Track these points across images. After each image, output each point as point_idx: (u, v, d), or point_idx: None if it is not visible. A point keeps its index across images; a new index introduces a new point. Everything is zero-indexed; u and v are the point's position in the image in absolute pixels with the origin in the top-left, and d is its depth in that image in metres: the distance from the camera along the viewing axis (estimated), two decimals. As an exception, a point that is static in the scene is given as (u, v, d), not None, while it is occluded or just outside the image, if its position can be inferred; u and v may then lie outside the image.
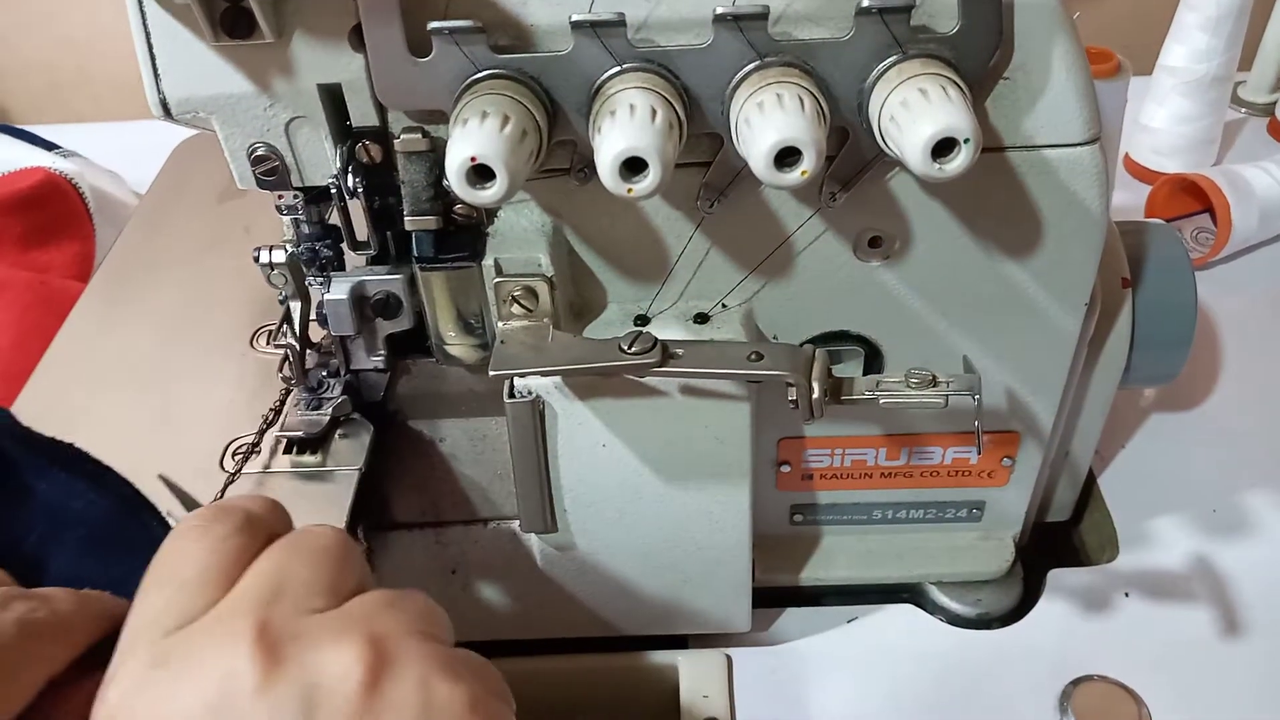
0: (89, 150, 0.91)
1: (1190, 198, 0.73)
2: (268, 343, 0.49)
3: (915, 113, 0.34)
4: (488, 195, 0.34)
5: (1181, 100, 0.74)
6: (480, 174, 0.34)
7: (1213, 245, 0.70)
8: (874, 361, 0.47)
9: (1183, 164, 0.76)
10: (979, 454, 0.49)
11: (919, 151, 0.34)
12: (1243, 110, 0.86)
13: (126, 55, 1.03)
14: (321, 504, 0.42)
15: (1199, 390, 0.65)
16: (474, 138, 0.34)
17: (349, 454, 0.44)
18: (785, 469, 0.51)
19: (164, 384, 0.48)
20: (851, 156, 0.39)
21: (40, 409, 0.48)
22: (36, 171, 0.68)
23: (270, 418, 0.44)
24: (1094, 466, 0.60)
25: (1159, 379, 0.53)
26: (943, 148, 0.34)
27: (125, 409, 0.47)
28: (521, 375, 0.42)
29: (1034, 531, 0.57)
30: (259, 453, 0.44)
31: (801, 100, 0.35)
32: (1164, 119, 0.75)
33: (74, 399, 0.48)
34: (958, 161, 0.34)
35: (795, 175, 0.34)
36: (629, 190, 0.35)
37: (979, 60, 0.37)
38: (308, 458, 0.44)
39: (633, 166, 0.35)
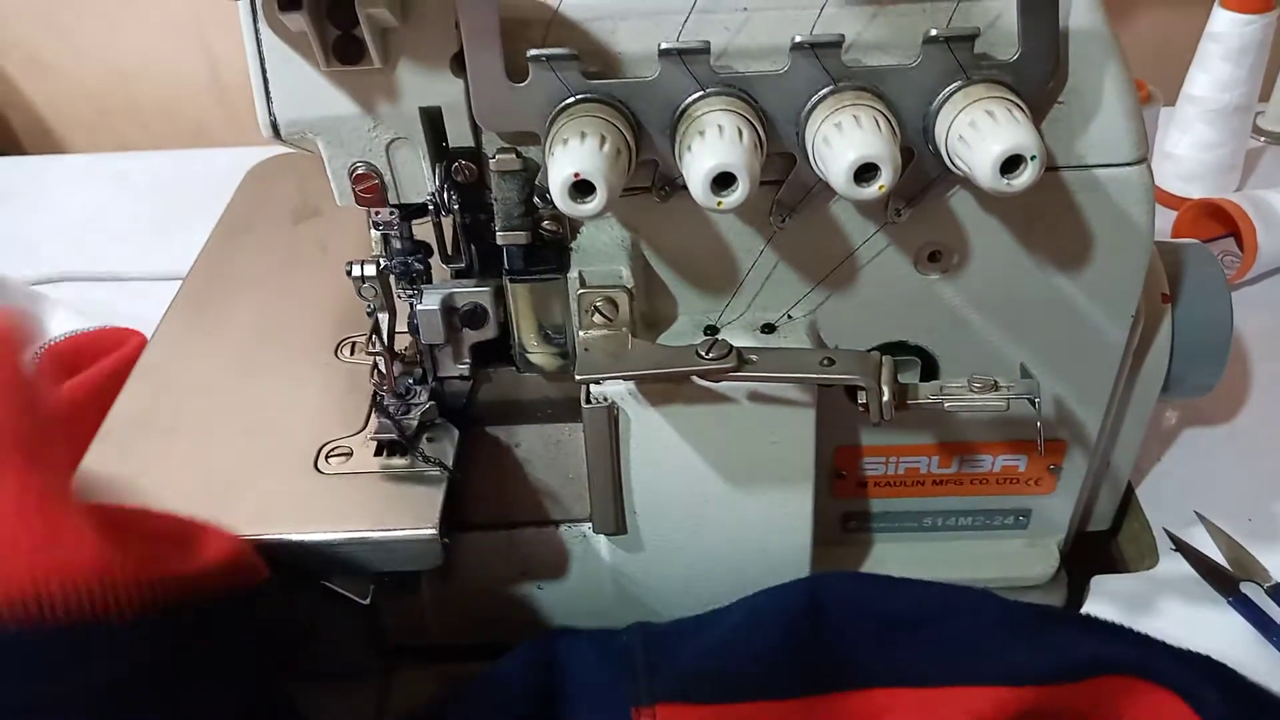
0: (139, 176, 0.95)
1: (1215, 222, 0.76)
2: (352, 353, 0.52)
3: (984, 132, 0.37)
4: (588, 208, 0.37)
5: (1205, 128, 0.77)
6: (580, 189, 0.37)
7: (1239, 268, 0.73)
8: (930, 371, 0.49)
9: (1206, 190, 0.79)
10: (1041, 454, 0.51)
11: (989, 168, 0.37)
12: (1262, 139, 0.89)
13: (174, 83, 1.07)
14: (412, 504, 0.44)
15: (1230, 406, 0.67)
16: (575, 155, 0.37)
17: (436, 456, 0.46)
18: (841, 477, 0.53)
19: (251, 393, 0.50)
20: (915, 175, 0.42)
21: (132, 420, 0.50)
22: (125, 334, 0.63)
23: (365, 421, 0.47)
24: (1132, 478, 0.62)
25: (1195, 391, 0.56)
26: (1009, 165, 0.37)
27: (216, 417, 0.49)
28: (601, 381, 0.45)
29: (1074, 541, 0.59)
30: (351, 455, 0.46)
31: (877, 121, 0.38)
32: (1188, 146, 0.78)
33: (164, 410, 0.50)
34: (1025, 176, 0.37)
35: (873, 189, 0.37)
36: (719, 204, 0.37)
37: (1036, 85, 0.40)
38: (396, 460, 0.46)
39: (720, 182, 0.37)
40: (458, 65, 0.41)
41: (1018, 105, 0.38)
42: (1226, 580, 0.57)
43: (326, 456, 0.46)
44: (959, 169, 0.39)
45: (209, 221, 0.65)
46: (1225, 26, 0.74)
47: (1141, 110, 0.43)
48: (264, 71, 0.41)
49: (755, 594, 0.48)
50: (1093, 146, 0.42)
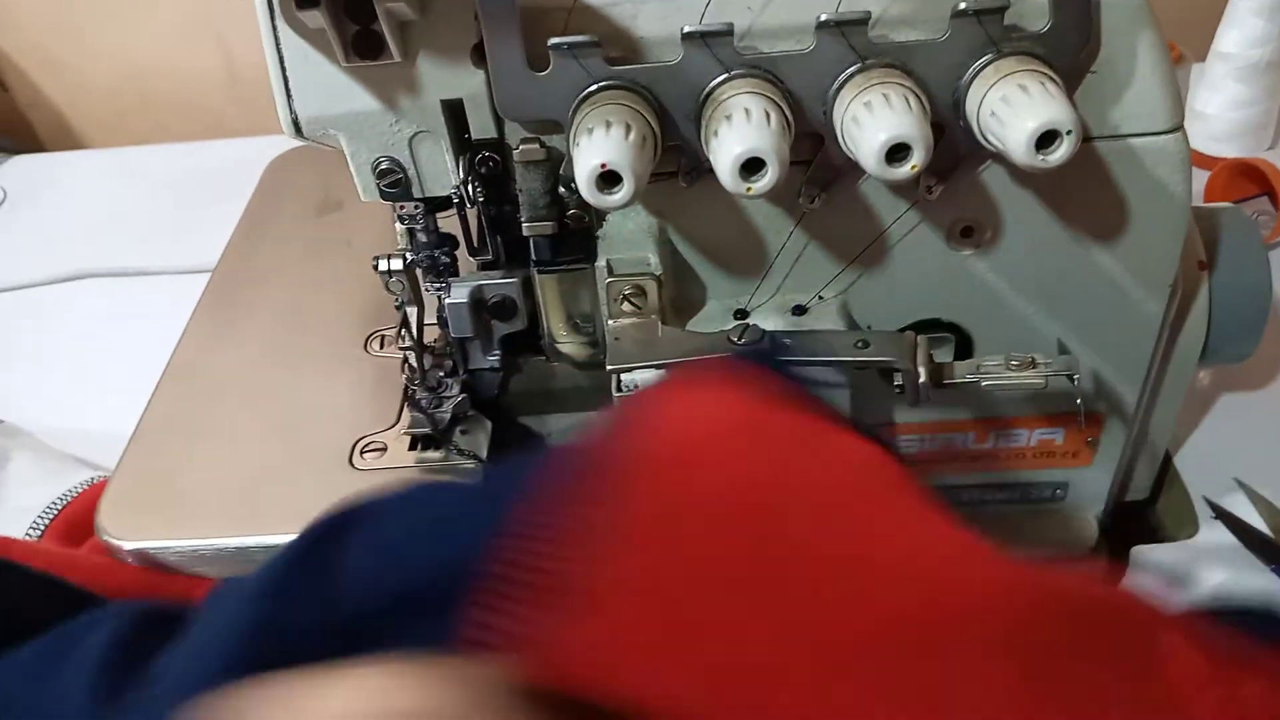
0: (159, 170, 0.95)
1: (1249, 181, 0.74)
2: (382, 347, 0.51)
3: (1017, 108, 0.36)
4: (615, 199, 0.37)
5: (1237, 86, 0.75)
6: (607, 180, 0.37)
7: (1274, 227, 0.71)
8: (964, 349, 0.48)
9: (1239, 149, 0.77)
10: (1081, 429, 0.50)
11: (1023, 144, 0.36)
12: (1294, 94, 0.87)
13: (189, 79, 1.07)
14: (447, 497, 0.44)
15: (1268, 369, 0.66)
16: (601, 146, 0.36)
17: (470, 448, 0.46)
18: (875, 455, 0.53)
19: (284, 389, 0.51)
20: (946, 151, 0.41)
21: (165, 421, 0.50)
22: None
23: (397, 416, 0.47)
24: (1169, 446, 0.61)
25: (1234, 358, 0.55)
26: (1044, 140, 0.36)
27: (249, 415, 0.50)
28: (632, 370, 0.44)
29: (1112, 511, 0.59)
30: (386, 450, 0.46)
31: (908, 99, 0.37)
32: (1219, 105, 0.77)
33: (197, 410, 0.51)
34: (1060, 152, 0.36)
35: (905, 169, 0.36)
36: (748, 189, 0.37)
37: (1069, 56, 0.39)
38: (431, 453, 0.46)
39: (749, 167, 0.37)
40: (478, 56, 0.40)
41: (1051, 78, 0.37)
42: (1269, 547, 0.56)
43: (361, 452, 0.46)
44: (992, 145, 0.38)
45: (230, 213, 0.65)
46: (1256, -20, 0.73)
47: (1175, 75, 0.42)
48: (284, 70, 0.41)
49: None
50: (1127, 116, 0.42)
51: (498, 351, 0.47)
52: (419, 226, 0.45)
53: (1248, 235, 0.53)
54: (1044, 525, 0.56)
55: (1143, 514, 0.62)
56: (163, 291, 0.77)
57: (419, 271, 0.46)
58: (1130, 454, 0.57)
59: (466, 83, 0.41)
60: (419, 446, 0.46)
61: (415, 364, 0.47)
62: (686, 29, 0.38)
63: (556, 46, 0.39)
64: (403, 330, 0.47)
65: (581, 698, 0.25)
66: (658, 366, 0.44)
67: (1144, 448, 0.57)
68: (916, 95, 0.38)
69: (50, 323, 0.78)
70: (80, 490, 0.56)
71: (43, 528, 0.54)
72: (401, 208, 0.44)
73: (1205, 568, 0.56)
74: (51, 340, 0.76)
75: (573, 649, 0.26)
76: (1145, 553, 0.57)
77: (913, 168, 0.36)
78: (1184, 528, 0.59)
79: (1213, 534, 0.57)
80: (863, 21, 0.38)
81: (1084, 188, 0.43)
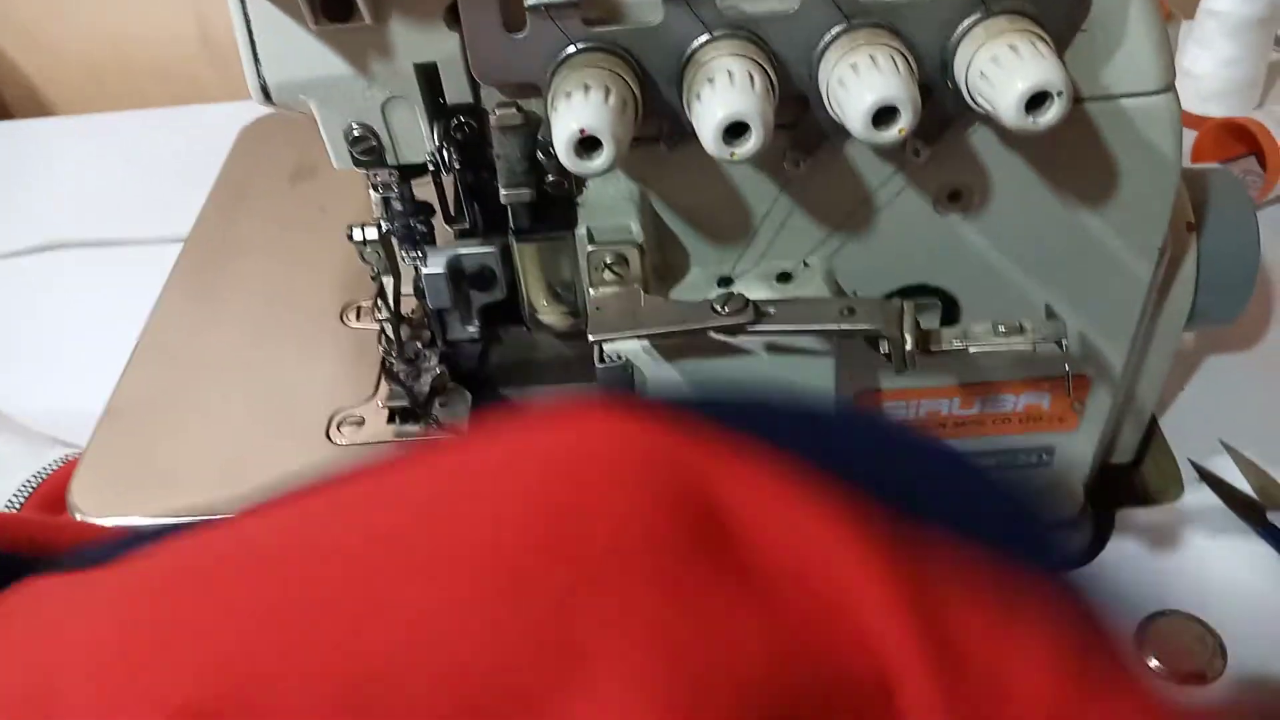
0: (132, 137, 0.93)
1: (1236, 141, 0.74)
2: (358, 318, 0.50)
3: (1008, 68, 0.35)
4: (595, 165, 0.36)
5: (1226, 43, 0.75)
6: (587, 145, 0.36)
7: (1261, 188, 0.71)
8: (951, 313, 0.48)
9: (1227, 107, 0.77)
10: (1070, 395, 0.50)
11: (1013, 106, 0.35)
12: (1281, 52, 0.86)
13: (165, 45, 1.04)
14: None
15: (1254, 330, 0.66)
16: (580, 110, 0.35)
17: (450, 421, 0.45)
18: (861, 422, 0.52)
19: (258, 362, 0.50)
20: (934, 113, 0.40)
21: (140, 398, 0.49)
22: None
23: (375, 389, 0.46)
24: (1155, 409, 0.61)
25: (1221, 320, 0.54)
26: (1034, 101, 0.35)
27: (223, 390, 0.49)
28: (615, 340, 0.43)
29: (1098, 474, 0.59)
30: (363, 423, 0.45)
31: (895, 61, 0.36)
32: (1208, 63, 0.76)
33: (172, 386, 0.50)
34: (1051, 114, 0.35)
35: (893, 133, 0.35)
36: (732, 154, 0.36)
37: (1059, 15, 0.38)
38: (410, 427, 0.45)
39: (732, 131, 0.36)
40: (452, 18, 0.39)
41: (1041, 38, 0.36)
42: (1254, 509, 0.56)
43: (338, 426, 0.46)
44: (981, 107, 0.37)
45: (204, 180, 0.63)
46: (1245, -65, 0.72)
47: (1167, 33, 0.41)
48: (250, 33, 0.39)
49: None
50: (1118, 76, 0.41)
51: (476, 322, 0.46)
52: (394, 195, 0.44)
53: (1236, 197, 0.52)
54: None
55: (1128, 477, 0.62)
56: (135, 262, 0.75)
57: (395, 241, 0.45)
58: (1116, 417, 0.56)
59: (441, 46, 0.40)
60: (397, 419, 0.45)
61: (392, 335, 0.46)
62: (668, -11, 0.37)
63: (533, 8, 0.37)
64: (379, 301, 0.46)
65: None
66: (642, 336, 0.43)
67: (1130, 411, 0.57)
68: (904, 56, 0.37)
69: (19, 295, 0.76)
70: (55, 468, 0.55)
71: (18, 508, 0.53)
72: (375, 175, 0.43)
73: (1190, 532, 0.56)
74: (21, 313, 0.74)
75: None
76: (1130, 517, 0.56)
77: (900, 131, 0.35)
78: (1169, 490, 0.59)
79: (1198, 497, 0.57)
80: (849, -21, 0.37)
81: (1074, 150, 0.42)
